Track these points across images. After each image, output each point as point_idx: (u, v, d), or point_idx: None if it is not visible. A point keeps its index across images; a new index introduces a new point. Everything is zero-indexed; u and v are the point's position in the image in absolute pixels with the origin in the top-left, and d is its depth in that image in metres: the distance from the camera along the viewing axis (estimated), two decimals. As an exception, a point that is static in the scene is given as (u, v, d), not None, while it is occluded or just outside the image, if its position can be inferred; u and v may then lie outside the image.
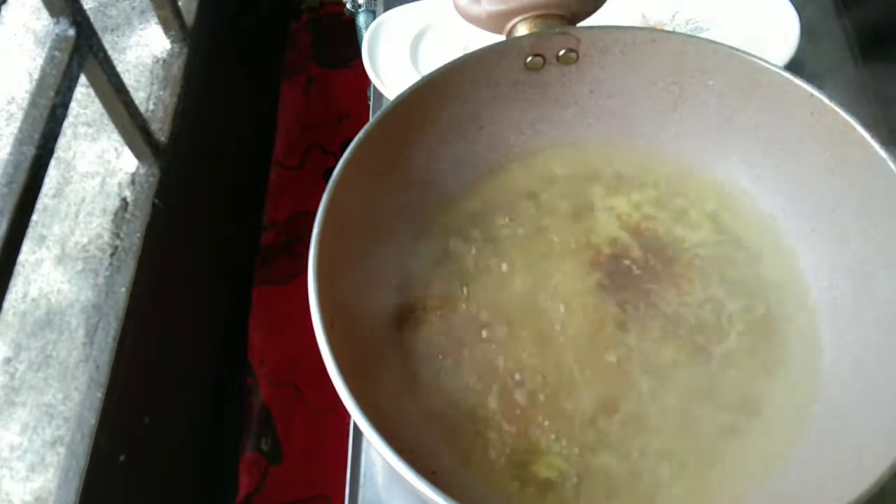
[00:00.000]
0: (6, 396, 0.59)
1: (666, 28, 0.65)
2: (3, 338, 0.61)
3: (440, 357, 0.46)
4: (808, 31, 0.63)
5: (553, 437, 0.44)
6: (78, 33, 0.55)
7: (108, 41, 0.63)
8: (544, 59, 0.49)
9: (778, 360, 0.45)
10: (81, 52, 0.55)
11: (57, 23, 0.55)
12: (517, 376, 0.45)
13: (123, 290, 0.63)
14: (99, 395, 0.58)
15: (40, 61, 0.54)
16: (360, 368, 0.41)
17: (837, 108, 0.44)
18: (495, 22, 0.51)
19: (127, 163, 0.70)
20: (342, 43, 1.13)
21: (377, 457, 0.50)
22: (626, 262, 0.49)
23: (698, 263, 0.49)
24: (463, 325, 0.47)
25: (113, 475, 0.60)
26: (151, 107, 0.74)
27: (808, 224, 0.48)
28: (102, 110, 0.63)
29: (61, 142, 0.61)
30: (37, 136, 0.50)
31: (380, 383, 0.44)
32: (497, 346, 0.46)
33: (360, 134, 0.45)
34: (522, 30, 0.50)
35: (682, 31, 0.64)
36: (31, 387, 0.59)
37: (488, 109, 0.51)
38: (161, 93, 0.74)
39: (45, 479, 0.56)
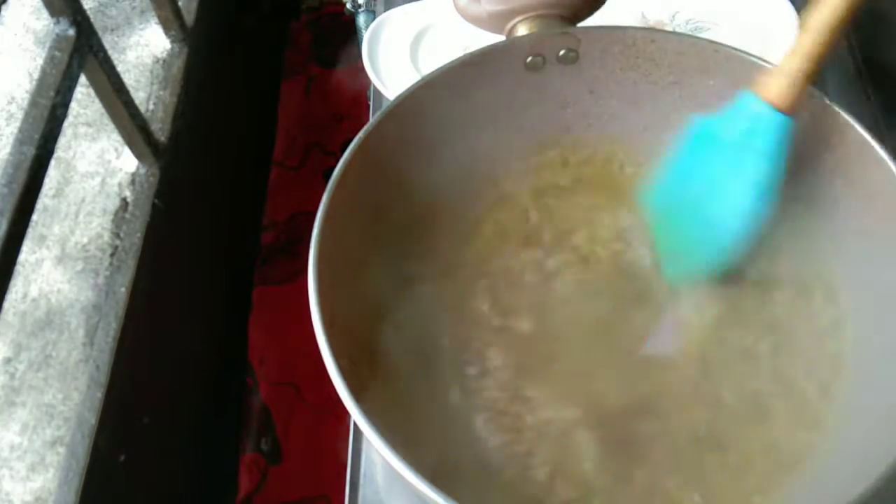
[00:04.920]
0: (6, 396, 0.59)
1: (666, 28, 0.65)
2: (3, 338, 0.61)
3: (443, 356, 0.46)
4: (808, 31, 0.63)
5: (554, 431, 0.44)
6: (78, 33, 0.55)
7: (108, 41, 0.63)
8: (544, 59, 0.49)
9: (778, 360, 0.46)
10: (81, 52, 0.55)
11: (57, 23, 0.55)
12: (521, 373, 0.45)
13: (123, 290, 0.63)
14: (99, 395, 0.58)
15: (40, 61, 0.54)
16: (360, 368, 0.41)
17: (837, 108, 0.44)
18: (495, 22, 0.51)
19: (127, 163, 0.70)
20: (342, 43, 1.13)
21: (377, 457, 0.50)
22: (629, 260, 0.49)
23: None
24: (462, 324, 0.47)
25: (113, 475, 0.60)
26: (151, 107, 0.74)
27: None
28: (102, 110, 0.63)
29: (61, 142, 0.61)
30: (37, 136, 0.50)
31: (380, 383, 0.44)
32: (499, 344, 0.46)
33: (360, 134, 0.45)
34: (522, 30, 0.50)
35: (682, 31, 0.64)
36: (31, 387, 0.59)
37: (488, 109, 0.51)
38: (161, 93, 0.74)
39: (45, 479, 0.56)
